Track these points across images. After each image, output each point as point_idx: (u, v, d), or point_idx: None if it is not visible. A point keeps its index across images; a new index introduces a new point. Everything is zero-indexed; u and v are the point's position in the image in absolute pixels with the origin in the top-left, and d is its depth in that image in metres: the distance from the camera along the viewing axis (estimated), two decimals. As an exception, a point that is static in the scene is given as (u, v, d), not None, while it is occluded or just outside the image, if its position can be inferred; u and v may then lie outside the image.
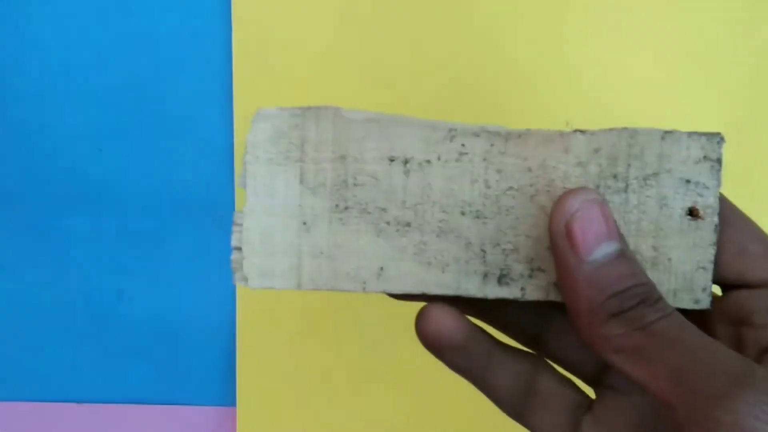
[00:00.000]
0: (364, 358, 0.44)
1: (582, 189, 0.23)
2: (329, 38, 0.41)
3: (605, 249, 0.22)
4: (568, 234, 0.22)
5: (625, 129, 0.24)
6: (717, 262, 0.24)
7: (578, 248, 0.22)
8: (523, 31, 0.41)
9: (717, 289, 0.25)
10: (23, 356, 0.46)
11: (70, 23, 0.42)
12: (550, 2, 0.41)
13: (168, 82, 0.42)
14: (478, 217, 0.24)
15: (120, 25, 0.42)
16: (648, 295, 0.22)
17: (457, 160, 0.24)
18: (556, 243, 0.22)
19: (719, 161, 0.24)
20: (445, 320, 0.25)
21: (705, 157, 0.24)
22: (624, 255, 0.22)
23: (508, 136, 0.24)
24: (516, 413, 0.26)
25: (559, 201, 0.23)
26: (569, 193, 0.23)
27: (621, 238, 0.23)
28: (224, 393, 0.46)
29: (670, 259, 0.24)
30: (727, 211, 0.24)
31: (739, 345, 0.23)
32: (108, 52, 0.42)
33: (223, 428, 0.46)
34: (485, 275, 0.24)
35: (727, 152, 0.41)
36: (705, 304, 0.24)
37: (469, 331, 0.25)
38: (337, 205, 0.24)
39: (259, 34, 0.41)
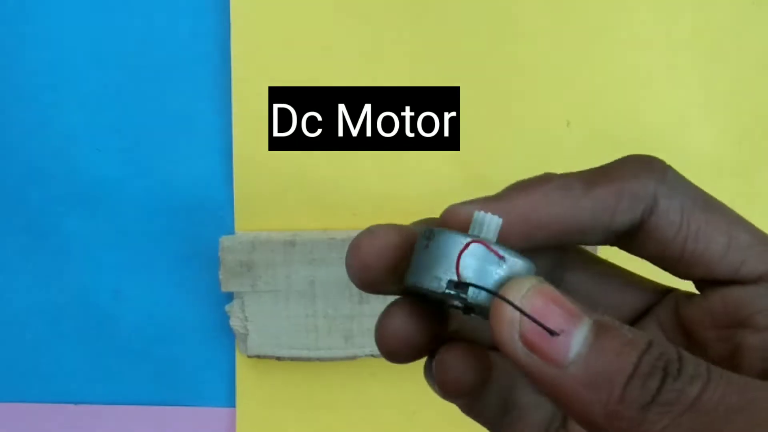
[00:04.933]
0: (364, 358, 0.44)
1: (512, 284, 0.18)
2: (328, 37, 0.41)
3: (581, 336, 0.17)
4: (531, 347, 0.17)
5: None
6: (699, 254, 0.20)
7: (551, 357, 0.17)
8: (524, 29, 0.41)
9: (690, 285, 0.22)
10: (20, 357, 0.46)
11: (68, 23, 0.42)
12: (552, 0, 0.41)
13: (167, 81, 0.42)
14: None
15: (119, 25, 0.42)
16: (667, 359, 0.16)
17: None
18: (522, 364, 0.17)
19: None
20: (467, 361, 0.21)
21: None
22: (604, 326, 0.17)
23: None
24: None
25: (495, 315, 0.18)
26: (500, 299, 0.18)
27: (586, 307, 0.17)
28: (224, 393, 0.46)
29: None
30: (705, 196, 0.21)
31: (736, 351, 0.20)
32: (107, 52, 0.42)
33: (223, 428, 0.46)
34: None
35: (729, 151, 0.42)
36: None
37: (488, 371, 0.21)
38: None
39: (258, 33, 0.41)
